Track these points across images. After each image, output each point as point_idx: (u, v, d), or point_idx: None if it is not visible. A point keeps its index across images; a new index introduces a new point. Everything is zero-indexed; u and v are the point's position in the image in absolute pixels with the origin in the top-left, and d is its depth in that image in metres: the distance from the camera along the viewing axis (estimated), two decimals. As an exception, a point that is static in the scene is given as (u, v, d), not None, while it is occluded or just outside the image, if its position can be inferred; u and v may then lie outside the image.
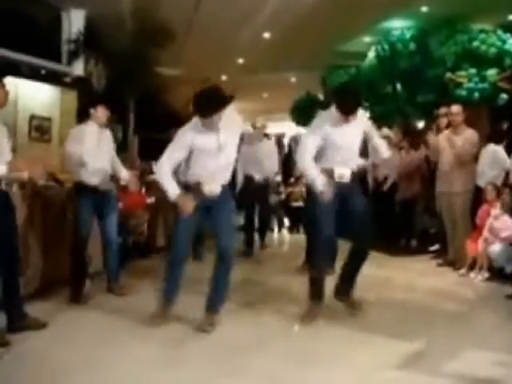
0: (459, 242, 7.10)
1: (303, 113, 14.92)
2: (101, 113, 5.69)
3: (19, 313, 4.60)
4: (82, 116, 5.81)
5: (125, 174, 5.89)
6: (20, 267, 4.66)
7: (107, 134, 5.84)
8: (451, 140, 7.08)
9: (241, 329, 4.69)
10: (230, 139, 4.59)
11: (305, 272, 6.68)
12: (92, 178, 5.54)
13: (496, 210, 6.62)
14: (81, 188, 5.56)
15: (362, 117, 5.02)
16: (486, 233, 6.69)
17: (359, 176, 5.08)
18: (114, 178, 5.96)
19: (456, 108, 7.18)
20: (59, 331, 4.66)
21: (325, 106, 5.49)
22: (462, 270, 6.83)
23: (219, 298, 4.70)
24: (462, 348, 4.19)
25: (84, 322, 4.93)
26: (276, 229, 11.79)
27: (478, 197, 7.08)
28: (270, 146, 8.71)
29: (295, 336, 4.55)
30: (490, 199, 6.80)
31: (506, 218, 6.58)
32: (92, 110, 5.66)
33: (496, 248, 6.46)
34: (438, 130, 7.69)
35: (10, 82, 4.98)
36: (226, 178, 4.69)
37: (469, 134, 7.06)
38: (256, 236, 8.54)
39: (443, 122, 7.69)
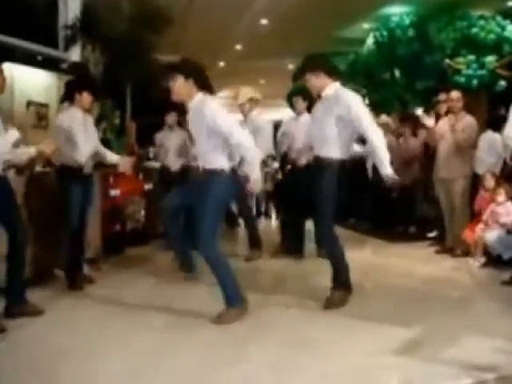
0: (457, 228, 7.09)
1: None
2: (86, 98, 5.59)
3: (20, 298, 4.61)
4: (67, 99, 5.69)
5: (114, 158, 5.87)
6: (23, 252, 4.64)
7: (90, 120, 5.80)
8: (453, 125, 7.06)
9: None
10: None
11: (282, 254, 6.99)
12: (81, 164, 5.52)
13: (501, 197, 6.60)
14: (69, 172, 5.49)
15: (338, 99, 4.80)
16: (485, 217, 6.69)
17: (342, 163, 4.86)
18: (102, 163, 5.96)
19: (455, 94, 7.16)
20: (56, 317, 4.67)
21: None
22: (460, 257, 6.84)
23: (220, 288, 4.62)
24: (460, 334, 4.18)
25: (81, 309, 4.93)
26: (274, 215, 11.78)
27: (475, 184, 7.08)
28: (258, 123, 7.37)
29: (293, 324, 4.54)
30: (489, 187, 6.79)
31: (509, 204, 6.57)
32: (77, 95, 5.58)
33: (493, 235, 6.45)
34: (438, 116, 7.67)
35: (7, 67, 4.93)
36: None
37: (468, 121, 7.04)
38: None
39: (442, 108, 7.67)
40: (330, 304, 4.80)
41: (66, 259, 5.61)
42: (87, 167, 5.60)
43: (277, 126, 14.19)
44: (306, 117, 6.79)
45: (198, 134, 4.52)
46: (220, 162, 4.43)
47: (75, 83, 5.71)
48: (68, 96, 5.61)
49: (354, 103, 4.71)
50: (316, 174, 4.83)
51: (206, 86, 4.50)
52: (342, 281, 4.91)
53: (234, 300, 4.52)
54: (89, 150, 5.52)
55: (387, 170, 4.65)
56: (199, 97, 4.47)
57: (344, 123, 4.74)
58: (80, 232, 5.62)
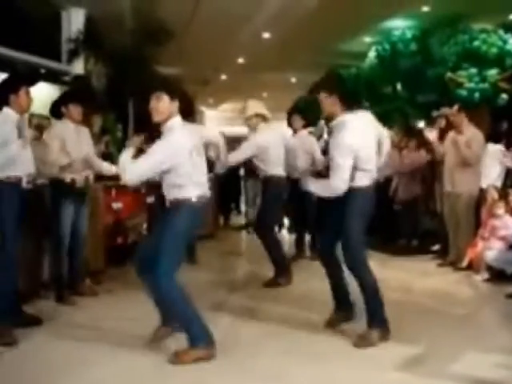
0: (461, 242, 7.07)
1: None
2: (73, 111, 5.57)
3: (16, 309, 4.60)
4: (55, 112, 5.70)
5: (112, 169, 5.84)
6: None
7: (85, 131, 5.79)
8: (454, 140, 7.05)
9: (240, 328, 4.67)
10: None
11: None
12: (73, 176, 5.50)
13: (500, 210, 6.59)
14: (62, 186, 5.48)
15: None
16: (485, 231, 6.68)
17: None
18: (103, 176, 6.00)
19: (453, 109, 7.16)
20: (57, 329, 4.68)
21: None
22: (463, 271, 6.82)
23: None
24: (463, 349, 4.17)
25: (81, 322, 4.91)
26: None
27: (479, 198, 7.06)
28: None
29: (295, 336, 4.52)
30: (492, 200, 6.76)
31: (507, 217, 6.56)
32: (63, 109, 5.58)
33: (493, 253, 6.41)
34: (442, 131, 7.66)
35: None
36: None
37: (473, 135, 7.03)
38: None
39: (441, 122, 7.71)
40: (362, 342, 4.35)
41: (54, 273, 5.59)
42: (79, 181, 5.58)
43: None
44: (302, 133, 6.88)
45: None
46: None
47: (60, 98, 5.75)
48: (55, 111, 5.62)
49: (339, 138, 4.34)
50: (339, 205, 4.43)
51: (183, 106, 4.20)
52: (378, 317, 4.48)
53: (199, 339, 4.05)
54: (80, 162, 5.53)
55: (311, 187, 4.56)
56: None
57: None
58: (73, 246, 5.60)
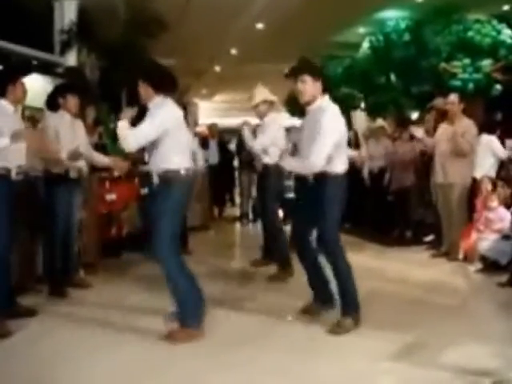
0: (455, 233, 7.08)
1: (298, 104, 14.91)
2: (70, 102, 5.55)
3: (10, 301, 4.60)
4: (52, 104, 5.66)
5: (105, 160, 5.84)
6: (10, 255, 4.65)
7: (79, 124, 5.77)
8: (446, 131, 7.06)
9: (238, 323, 4.68)
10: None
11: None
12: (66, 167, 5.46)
13: (493, 203, 6.60)
14: (55, 177, 5.45)
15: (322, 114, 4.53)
16: (479, 224, 6.69)
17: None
18: (97, 167, 5.97)
19: (452, 97, 7.14)
20: (51, 322, 4.68)
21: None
22: (456, 261, 6.84)
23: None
24: (457, 339, 4.18)
25: (76, 314, 4.91)
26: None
27: (473, 188, 7.06)
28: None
29: (292, 330, 4.53)
30: (486, 192, 6.76)
31: (501, 209, 6.57)
32: (61, 100, 5.54)
33: (487, 244, 6.43)
34: (436, 123, 7.66)
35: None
36: None
37: (466, 125, 7.03)
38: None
39: (430, 119, 7.79)
40: (337, 329, 4.39)
41: (48, 265, 5.57)
42: (73, 172, 5.55)
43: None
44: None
45: None
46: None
47: (57, 89, 5.71)
48: (51, 102, 5.59)
49: (325, 119, 4.41)
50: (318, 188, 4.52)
51: (163, 88, 4.41)
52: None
53: (190, 319, 4.25)
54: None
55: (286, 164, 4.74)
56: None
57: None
58: (66, 237, 5.58)
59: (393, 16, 12.35)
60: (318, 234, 4.65)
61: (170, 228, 4.22)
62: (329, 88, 4.63)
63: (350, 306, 4.49)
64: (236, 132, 6.44)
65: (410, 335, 4.27)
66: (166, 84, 4.42)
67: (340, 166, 4.49)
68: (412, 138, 8.73)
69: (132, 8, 9.95)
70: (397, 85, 12.59)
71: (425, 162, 7.95)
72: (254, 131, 6.68)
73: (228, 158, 12.15)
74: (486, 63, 11.14)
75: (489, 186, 6.76)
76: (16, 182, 4.55)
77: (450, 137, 6.99)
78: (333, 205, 4.48)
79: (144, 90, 4.37)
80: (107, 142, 8.13)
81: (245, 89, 15.71)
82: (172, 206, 4.25)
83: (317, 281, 4.86)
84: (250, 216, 11.08)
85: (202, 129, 12.61)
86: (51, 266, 5.53)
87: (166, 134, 4.21)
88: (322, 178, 4.44)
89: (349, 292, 4.51)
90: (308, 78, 4.52)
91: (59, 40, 9.70)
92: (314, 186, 4.48)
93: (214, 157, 11.04)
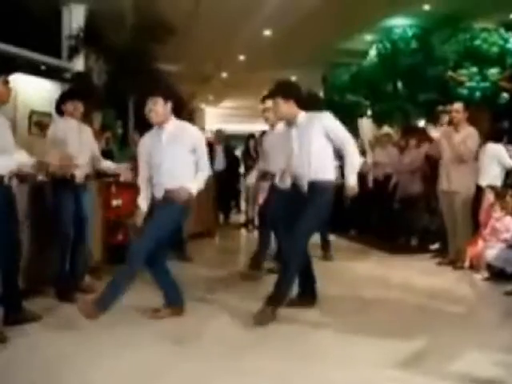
0: (460, 241, 7.07)
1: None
2: (71, 107, 5.53)
3: (17, 306, 4.59)
4: (59, 109, 5.67)
5: (111, 166, 5.86)
6: (19, 261, 4.63)
7: (86, 129, 5.75)
8: (449, 137, 7.06)
9: (237, 328, 4.66)
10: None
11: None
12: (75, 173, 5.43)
13: (496, 213, 6.58)
14: (61, 183, 5.39)
15: (313, 122, 5.01)
16: (486, 233, 6.67)
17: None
18: (103, 173, 5.97)
19: (457, 105, 7.15)
20: (56, 326, 4.64)
21: (326, 103, 5.48)
22: (462, 269, 6.82)
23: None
24: (461, 347, 4.17)
25: (80, 318, 4.90)
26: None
27: (479, 196, 7.05)
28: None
29: (294, 335, 4.51)
30: (491, 201, 6.74)
31: (508, 219, 6.54)
32: (63, 107, 5.54)
33: (493, 252, 6.41)
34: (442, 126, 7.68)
35: (11, 77, 4.91)
36: None
37: (469, 132, 7.02)
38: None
39: (444, 118, 7.71)
40: (262, 319, 4.67)
41: (56, 270, 5.53)
42: (79, 177, 5.54)
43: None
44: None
45: None
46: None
47: (60, 96, 5.71)
48: (58, 109, 5.61)
49: (327, 120, 4.85)
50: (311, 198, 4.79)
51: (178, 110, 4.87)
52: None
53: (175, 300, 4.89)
54: (82, 159, 5.44)
55: (352, 180, 4.81)
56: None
57: (327, 143, 4.84)
58: (74, 243, 5.56)
59: (400, 24, 12.36)
60: (294, 230, 4.79)
61: (159, 240, 4.71)
62: (303, 105, 4.98)
63: (279, 296, 4.77)
64: (242, 138, 6.46)
65: (415, 343, 4.25)
66: (179, 107, 4.70)
67: (332, 174, 4.87)
68: (419, 144, 8.73)
69: (139, 13, 10.00)
70: (403, 93, 12.60)
71: (432, 167, 7.93)
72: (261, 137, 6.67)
73: (234, 163, 12.15)
74: (493, 72, 11.13)
75: (491, 196, 6.74)
76: (11, 188, 4.52)
77: (452, 144, 7.00)
78: (321, 210, 4.79)
79: (163, 109, 4.67)
80: (114, 148, 8.15)
81: (251, 95, 15.79)
82: (171, 223, 4.81)
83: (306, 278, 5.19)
84: (256, 222, 11.06)
85: (208, 136, 12.60)
86: (60, 270, 5.52)
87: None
88: (316, 185, 4.76)
89: (288, 283, 4.83)
90: (280, 100, 4.92)
91: (67, 45, 9.76)
92: (306, 194, 4.78)
93: (219, 163, 11.05)
